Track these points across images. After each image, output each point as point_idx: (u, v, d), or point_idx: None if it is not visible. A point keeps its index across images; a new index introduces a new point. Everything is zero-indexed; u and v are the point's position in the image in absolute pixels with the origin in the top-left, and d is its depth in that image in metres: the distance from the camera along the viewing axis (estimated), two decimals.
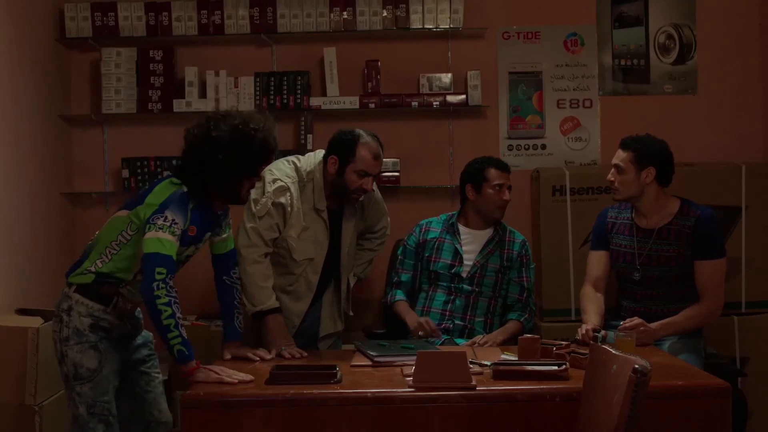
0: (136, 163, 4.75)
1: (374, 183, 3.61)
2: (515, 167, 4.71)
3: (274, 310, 3.42)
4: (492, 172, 3.86)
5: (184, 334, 2.88)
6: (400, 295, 3.92)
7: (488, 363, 3.00)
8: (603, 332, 3.39)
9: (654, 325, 3.45)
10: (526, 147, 4.89)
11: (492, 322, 3.86)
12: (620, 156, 3.63)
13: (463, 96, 4.74)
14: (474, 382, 2.79)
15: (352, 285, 3.82)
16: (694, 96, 4.86)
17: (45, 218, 4.50)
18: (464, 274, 3.84)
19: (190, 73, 4.77)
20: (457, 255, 3.87)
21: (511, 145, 4.89)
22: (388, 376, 2.95)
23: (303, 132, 4.75)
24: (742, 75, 4.83)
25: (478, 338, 3.70)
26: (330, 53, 4.76)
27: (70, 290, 3.03)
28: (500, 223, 3.95)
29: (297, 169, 3.56)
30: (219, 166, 3.00)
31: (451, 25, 4.73)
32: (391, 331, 3.91)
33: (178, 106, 4.71)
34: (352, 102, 4.71)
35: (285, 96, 4.73)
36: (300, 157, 3.66)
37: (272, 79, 4.75)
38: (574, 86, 4.88)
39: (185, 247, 3.04)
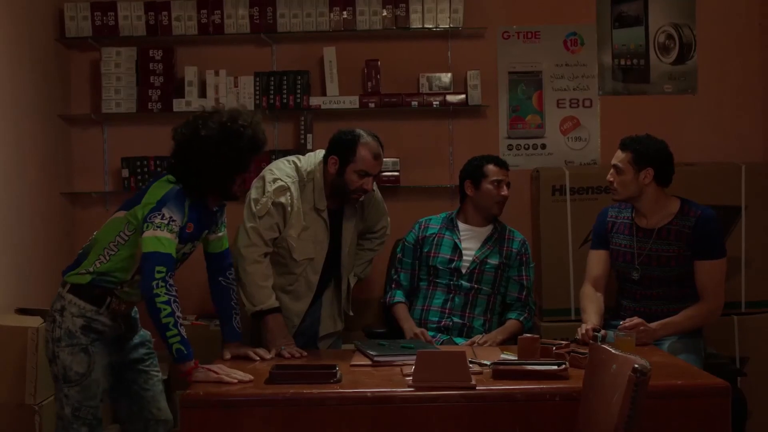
0: (136, 162, 4.74)
1: (374, 183, 3.61)
2: (515, 167, 4.72)
3: (274, 310, 3.42)
4: (490, 168, 3.90)
5: (184, 334, 2.88)
6: (399, 297, 3.92)
7: (488, 362, 3.00)
8: (603, 332, 3.39)
9: (654, 324, 3.45)
10: (526, 147, 4.89)
11: (491, 320, 3.87)
12: (619, 156, 3.63)
13: (463, 96, 4.74)
14: (473, 382, 2.79)
15: (352, 285, 3.82)
16: (694, 96, 4.86)
17: (45, 218, 4.50)
18: (463, 270, 3.85)
19: (190, 73, 4.77)
20: (457, 250, 3.88)
21: (510, 144, 4.89)
22: (387, 376, 2.95)
23: (303, 132, 4.75)
24: (741, 75, 4.83)
25: (477, 338, 3.71)
26: (330, 53, 4.76)
27: (64, 290, 3.03)
28: (499, 221, 3.98)
29: (297, 169, 3.56)
30: (210, 164, 3.00)
31: (451, 25, 4.73)
32: (391, 331, 3.91)
33: (178, 105, 4.70)
34: (351, 102, 4.71)
35: (285, 96, 4.73)
36: (300, 156, 3.66)
37: (272, 78, 4.75)
38: (573, 86, 4.88)
39: (183, 245, 3.04)
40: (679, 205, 3.63)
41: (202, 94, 4.75)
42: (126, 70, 4.77)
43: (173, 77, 4.79)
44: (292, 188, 3.50)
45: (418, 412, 2.75)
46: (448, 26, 4.73)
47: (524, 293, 3.91)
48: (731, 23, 4.83)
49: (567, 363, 2.93)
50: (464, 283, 3.85)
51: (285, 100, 4.73)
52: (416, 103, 4.71)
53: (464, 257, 3.87)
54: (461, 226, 3.96)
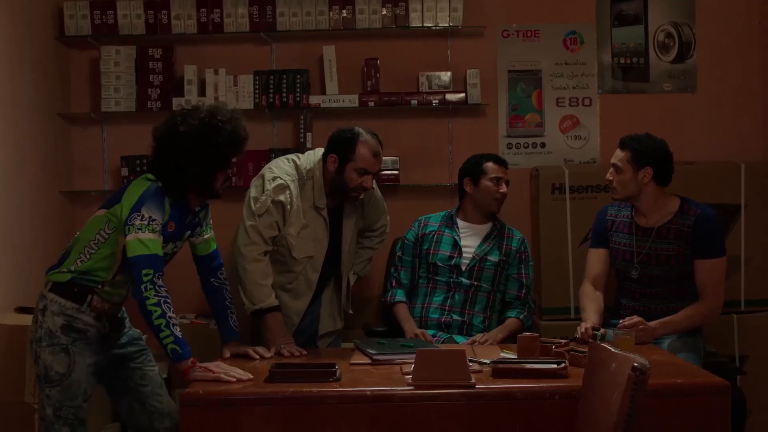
0: (136, 161, 4.74)
1: (374, 181, 3.61)
2: (514, 165, 4.72)
3: (274, 309, 3.42)
4: (490, 166, 3.92)
5: (177, 333, 2.86)
6: (400, 296, 3.93)
7: (487, 361, 3.00)
8: (602, 330, 3.40)
9: (653, 323, 3.45)
10: (526, 145, 4.89)
11: (491, 318, 3.89)
12: (618, 155, 3.63)
13: (463, 94, 4.74)
14: (473, 381, 2.79)
15: (352, 283, 3.82)
16: (694, 94, 4.86)
17: (44, 216, 4.50)
18: (463, 267, 3.85)
19: (190, 72, 4.77)
20: (456, 246, 3.89)
21: (510, 143, 4.89)
22: (387, 375, 2.95)
23: (302, 130, 4.75)
24: (741, 73, 4.83)
25: (478, 337, 3.71)
26: (329, 51, 4.76)
27: (46, 289, 3.02)
28: (498, 218, 4.00)
29: (297, 167, 3.56)
30: (189, 161, 2.98)
31: (451, 24, 4.73)
32: (392, 330, 3.91)
33: (178, 104, 4.69)
34: (351, 100, 4.71)
35: (284, 94, 4.73)
36: (300, 155, 3.66)
37: (271, 77, 4.75)
38: (573, 84, 4.88)
39: (165, 244, 3.00)
40: (678, 204, 3.63)
41: (202, 92, 4.75)
42: (125, 68, 4.76)
43: (173, 76, 4.79)
44: (292, 186, 3.50)
45: (418, 411, 2.75)
46: (447, 25, 4.73)
47: (524, 291, 3.92)
48: (731, 22, 4.83)
49: (566, 362, 2.93)
50: (464, 280, 3.85)
51: (284, 99, 4.73)
52: (416, 101, 4.72)
53: (464, 254, 3.88)
54: (461, 223, 3.97)
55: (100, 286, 3.01)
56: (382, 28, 4.74)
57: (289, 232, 3.51)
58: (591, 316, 3.59)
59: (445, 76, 4.79)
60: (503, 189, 3.92)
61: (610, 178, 3.65)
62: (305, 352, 3.33)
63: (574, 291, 4.31)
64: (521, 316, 3.86)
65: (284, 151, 4.39)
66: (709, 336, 3.80)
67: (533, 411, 2.76)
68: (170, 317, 2.86)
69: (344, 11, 4.72)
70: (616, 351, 2.45)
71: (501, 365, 2.92)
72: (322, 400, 2.74)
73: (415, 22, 4.72)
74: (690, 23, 4.85)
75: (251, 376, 2.88)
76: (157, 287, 2.86)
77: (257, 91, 4.73)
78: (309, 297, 3.64)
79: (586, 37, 4.87)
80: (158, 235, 2.93)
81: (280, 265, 3.56)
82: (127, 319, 3.24)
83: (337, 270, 3.71)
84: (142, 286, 2.85)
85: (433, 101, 4.71)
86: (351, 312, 3.87)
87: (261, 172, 3.56)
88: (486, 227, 3.97)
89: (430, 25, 4.73)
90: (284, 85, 4.73)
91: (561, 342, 3.17)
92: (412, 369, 2.82)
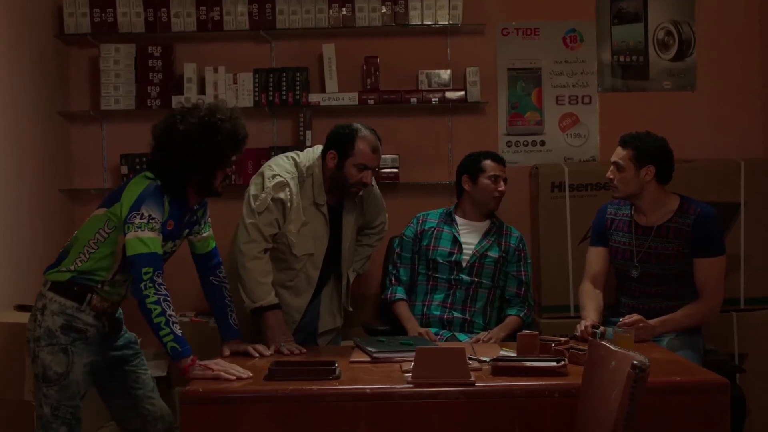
0: (135, 159, 4.74)
1: (373, 178, 3.62)
2: (514, 163, 4.73)
3: (274, 306, 3.42)
4: (488, 164, 3.93)
5: (177, 331, 2.86)
6: (400, 293, 3.93)
7: (487, 359, 3.01)
8: (602, 328, 3.40)
9: (653, 321, 3.46)
10: (525, 143, 4.89)
11: (491, 315, 3.89)
12: (620, 154, 3.62)
13: (462, 92, 4.73)
14: (473, 378, 2.79)
15: (351, 280, 3.82)
16: (693, 92, 4.85)
17: (44, 215, 4.50)
18: (464, 263, 3.85)
19: (189, 70, 4.76)
20: (456, 242, 3.90)
21: (510, 141, 4.89)
22: (386, 373, 2.95)
23: (302, 128, 4.75)
24: (741, 71, 4.83)
25: (482, 335, 3.72)
26: (329, 49, 4.76)
27: (45, 288, 3.01)
28: (496, 216, 4.01)
29: (296, 165, 3.57)
30: (189, 159, 2.98)
31: (450, 22, 4.72)
32: (394, 329, 3.90)
33: (177, 102, 4.69)
34: (351, 98, 4.71)
35: (284, 92, 4.73)
36: (299, 152, 3.66)
37: (271, 75, 4.74)
38: (573, 83, 4.88)
39: (164, 243, 3.00)
40: (678, 202, 3.63)
41: (201, 90, 4.75)
42: (125, 66, 4.76)
43: (172, 74, 4.78)
44: (291, 184, 3.50)
45: (417, 409, 2.75)
46: (447, 23, 4.72)
47: (523, 289, 3.93)
48: (731, 20, 4.82)
49: (566, 359, 2.93)
50: (464, 277, 3.86)
51: (284, 97, 4.73)
52: (415, 99, 4.71)
53: (464, 251, 3.88)
54: (459, 220, 3.98)
55: (99, 286, 3.01)
56: (382, 26, 4.73)
57: (290, 229, 3.51)
58: (591, 315, 3.59)
59: (445, 74, 4.79)
60: (501, 187, 3.93)
61: (611, 176, 3.64)
62: (305, 350, 3.33)
63: (574, 289, 4.31)
64: (521, 314, 3.87)
65: (284, 149, 4.37)
66: (709, 334, 3.80)
67: (533, 409, 2.76)
68: (170, 315, 2.86)
69: (344, 9, 4.71)
70: (616, 349, 2.46)
71: (501, 363, 2.92)
72: (321, 398, 2.74)
73: (414, 20, 4.72)
74: (690, 21, 4.85)
75: (251, 374, 2.88)
76: (156, 285, 2.86)
77: (257, 89, 4.73)
78: (309, 294, 3.64)
79: (585, 35, 4.87)
80: (158, 233, 2.93)
81: (281, 262, 3.56)
82: (123, 321, 3.23)
83: (337, 267, 3.71)
84: (142, 285, 2.85)
85: (433, 99, 4.71)
86: (351, 309, 3.87)
87: (260, 170, 3.56)
88: (485, 224, 3.98)
89: (429, 23, 4.73)
90: (284, 83, 4.73)
91: (561, 340, 3.17)
92: (411, 367, 2.82)
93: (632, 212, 3.69)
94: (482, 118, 4.87)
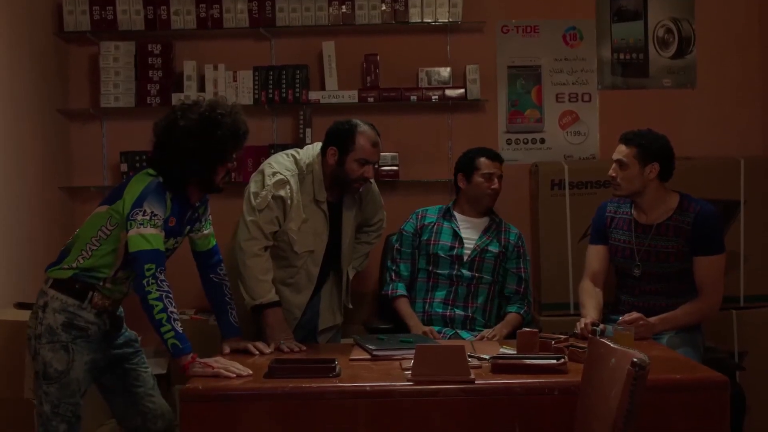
0: (135, 157, 4.74)
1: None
2: (514, 161, 4.73)
3: (274, 304, 3.42)
4: (482, 162, 3.93)
5: (178, 328, 2.87)
6: (401, 290, 3.93)
7: (487, 357, 3.01)
8: (602, 326, 3.39)
9: (653, 319, 3.46)
10: (525, 141, 4.89)
11: (491, 311, 3.90)
12: (623, 151, 3.60)
13: (462, 90, 4.73)
14: (472, 376, 2.79)
15: (351, 277, 3.82)
16: (693, 90, 4.86)
17: (44, 212, 4.50)
18: (465, 258, 3.86)
19: (189, 67, 4.76)
20: (457, 237, 3.91)
21: (509, 139, 4.89)
22: (386, 370, 2.95)
23: (302, 126, 4.75)
24: (741, 69, 4.83)
25: (486, 332, 3.72)
26: (329, 47, 4.75)
27: (47, 286, 3.02)
28: (495, 213, 4.02)
29: (296, 162, 3.57)
30: (191, 155, 2.98)
31: (450, 19, 4.72)
32: (396, 327, 3.90)
33: (177, 100, 4.67)
34: (350, 96, 4.71)
35: (284, 90, 4.72)
36: (299, 150, 3.67)
37: (271, 73, 4.74)
38: (572, 80, 4.88)
39: (166, 240, 3.01)
40: (678, 200, 3.62)
41: (201, 88, 4.75)
42: (125, 64, 4.76)
43: (172, 71, 4.78)
44: (292, 181, 3.50)
45: (417, 406, 2.75)
46: (447, 20, 4.72)
47: (522, 286, 3.94)
48: (730, 17, 4.82)
49: (566, 357, 2.94)
50: (465, 272, 3.86)
51: (284, 95, 4.73)
52: (415, 97, 4.71)
53: (465, 245, 3.89)
54: (458, 216, 3.98)
55: (101, 283, 3.02)
56: (382, 23, 4.73)
57: (290, 227, 3.51)
58: (590, 312, 3.58)
59: (445, 71, 4.78)
60: (495, 185, 3.92)
61: (614, 174, 3.61)
62: (305, 348, 3.33)
63: (574, 287, 4.31)
64: (522, 311, 3.88)
65: (284, 147, 4.37)
66: (709, 332, 3.80)
67: (532, 406, 2.76)
68: (171, 312, 2.86)
69: (343, 7, 4.71)
70: (616, 346, 2.45)
71: (500, 361, 2.92)
72: (321, 396, 2.74)
73: (414, 17, 4.72)
74: (689, 19, 4.85)
75: (251, 372, 2.88)
76: (159, 282, 2.87)
77: (257, 87, 4.73)
78: (310, 291, 3.64)
79: (585, 32, 4.87)
80: (160, 230, 2.93)
81: (281, 260, 3.56)
82: (124, 319, 3.24)
83: (336, 264, 3.71)
84: (144, 281, 2.86)
85: (433, 97, 4.71)
86: (351, 307, 3.87)
87: (260, 168, 3.56)
88: (483, 221, 3.99)
89: (429, 20, 4.73)
90: (284, 81, 4.72)
91: (560, 337, 3.17)
92: (411, 364, 2.82)
93: (632, 210, 3.69)
94: (482, 115, 4.87)
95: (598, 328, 3.35)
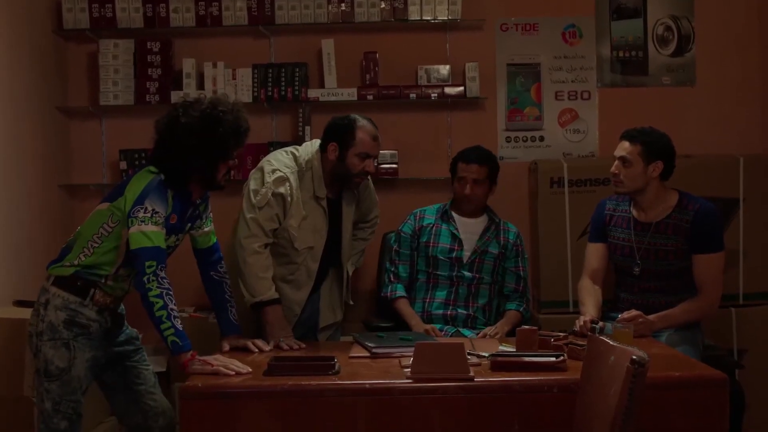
0: (134, 154, 4.74)
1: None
2: (513, 159, 4.74)
3: (274, 301, 3.42)
4: (459, 165, 3.93)
5: (178, 326, 2.87)
6: (400, 291, 3.93)
7: (486, 354, 3.01)
8: (601, 324, 3.39)
9: (652, 317, 3.46)
10: (524, 139, 4.89)
11: (491, 310, 3.90)
12: (627, 149, 3.58)
13: (462, 88, 4.73)
14: (472, 374, 2.79)
15: (350, 273, 3.83)
16: (693, 88, 4.85)
17: (43, 210, 4.50)
18: (465, 260, 3.85)
19: (188, 65, 4.76)
20: (456, 239, 3.90)
21: (509, 136, 4.89)
22: (386, 368, 2.95)
23: (301, 124, 4.75)
24: (740, 67, 4.82)
25: (489, 330, 3.72)
26: (328, 45, 4.75)
27: (48, 283, 3.01)
28: (493, 211, 4.01)
29: (295, 159, 3.57)
30: (193, 153, 2.98)
31: (449, 17, 4.72)
32: (397, 327, 3.89)
33: (176, 97, 4.67)
34: (350, 94, 4.71)
35: (283, 88, 4.72)
36: (298, 147, 3.67)
37: (270, 70, 4.74)
38: (572, 78, 4.88)
39: (167, 237, 3.01)
40: (677, 198, 3.62)
41: (200, 86, 4.75)
42: (124, 62, 4.75)
43: (171, 69, 4.78)
44: (291, 178, 3.50)
45: (417, 404, 2.76)
46: (446, 18, 4.72)
47: (521, 284, 3.94)
48: (730, 15, 4.82)
49: (565, 355, 2.94)
50: (466, 274, 3.86)
51: (283, 93, 4.72)
52: (414, 95, 4.71)
53: (464, 247, 3.88)
54: (456, 217, 3.98)
55: (103, 281, 3.02)
56: (381, 21, 4.73)
57: (290, 224, 3.51)
58: (590, 310, 3.59)
59: (444, 69, 4.78)
60: (467, 191, 3.87)
61: (616, 171, 3.60)
62: (304, 346, 3.33)
63: (573, 284, 4.31)
64: (521, 309, 3.88)
65: (283, 145, 4.36)
66: (708, 329, 3.80)
67: (532, 404, 2.76)
68: (172, 309, 2.87)
69: (343, 4, 4.71)
70: (615, 344, 2.46)
71: (500, 358, 2.93)
72: (321, 394, 2.75)
73: (413, 15, 4.71)
74: (689, 16, 4.84)
75: (250, 369, 2.88)
76: (159, 279, 2.87)
77: (256, 85, 4.73)
78: (309, 287, 3.65)
79: (584, 30, 4.87)
80: (161, 227, 2.94)
81: (282, 257, 3.57)
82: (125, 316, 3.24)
83: (336, 260, 3.72)
84: (145, 278, 2.86)
85: (432, 95, 4.71)
86: (351, 303, 3.88)
87: (260, 165, 3.56)
88: (482, 221, 3.97)
89: (428, 18, 4.72)
90: (283, 79, 4.72)
91: (560, 335, 3.17)
92: (410, 362, 2.82)
93: (631, 208, 3.68)
94: (481, 113, 4.87)
95: (597, 326, 3.35)
